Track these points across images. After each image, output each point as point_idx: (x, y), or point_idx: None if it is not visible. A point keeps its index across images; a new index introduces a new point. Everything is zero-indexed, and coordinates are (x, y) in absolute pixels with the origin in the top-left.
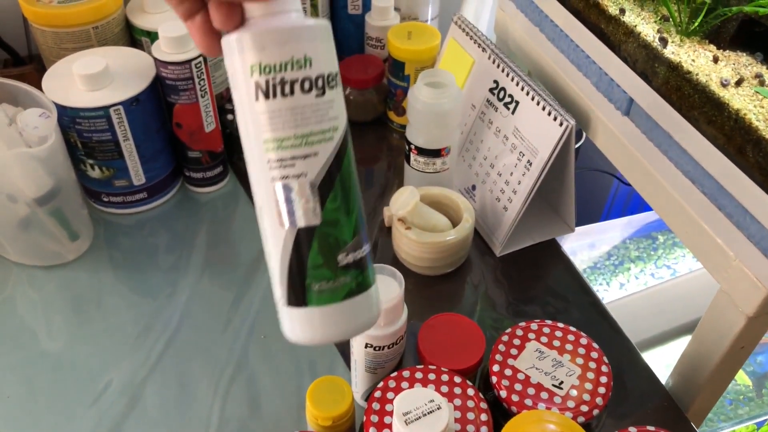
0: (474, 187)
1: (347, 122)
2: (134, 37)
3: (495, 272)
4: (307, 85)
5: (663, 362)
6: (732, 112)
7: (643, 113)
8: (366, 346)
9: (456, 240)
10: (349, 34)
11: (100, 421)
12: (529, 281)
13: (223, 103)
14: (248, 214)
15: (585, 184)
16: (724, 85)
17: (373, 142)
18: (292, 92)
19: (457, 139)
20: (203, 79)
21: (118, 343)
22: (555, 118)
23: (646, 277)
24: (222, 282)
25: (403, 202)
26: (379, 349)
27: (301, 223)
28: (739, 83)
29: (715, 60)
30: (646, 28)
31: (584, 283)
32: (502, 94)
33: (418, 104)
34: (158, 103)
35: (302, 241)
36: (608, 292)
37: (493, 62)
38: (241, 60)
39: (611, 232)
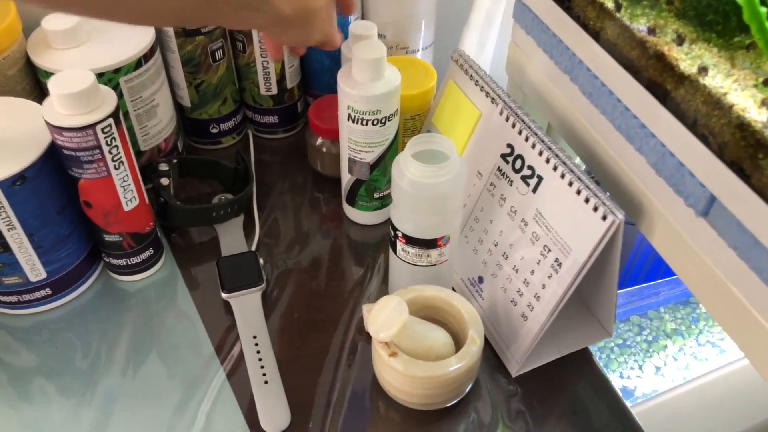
0: (481, 280)
1: (397, 131)
2: (39, 79)
3: (510, 402)
4: (375, 122)
5: None
6: None
7: (732, 221)
8: None
9: (460, 371)
10: (323, 68)
11: None
12: (555, 417)
13: (157, 160)
14: (186, 309)
15: None
16: None
17: None
18: (366, 124)
19: (460, 223)
20: (116, 146)
21: None
22: (596, 209)
23: (687, 358)
24: (145, 418)
25: (385, 321)
26: None
27: (359, 177)
28: None
29: None
30: (742, 96)
31: (629, 418)
32: (518, 163)
33: (404, 182)
34: (58, 177)
35: (357, 184)
36: (642, 379)
37: (507, 119)
38: (342, 99)
39: (641, 299)
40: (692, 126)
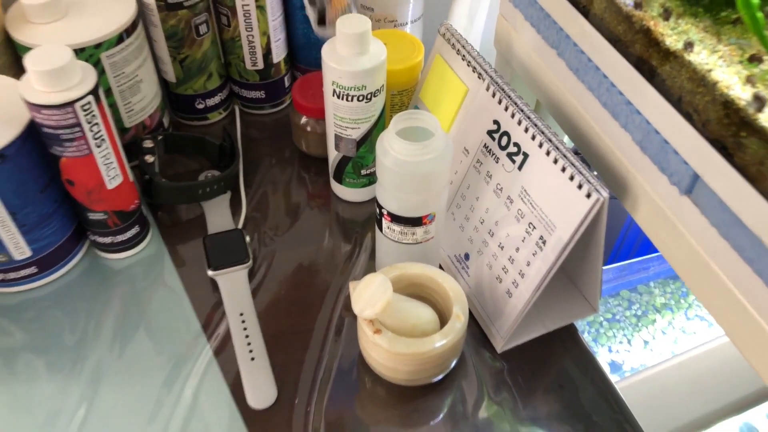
0: (467, 257)
1: (383, 107)
2: (18, 54)
3: (496, 378)
4: (360, 98)
5: None
6: None
7: (715, 199)
8: None
9: (444, 348)
10: (308, 42)
11: None
12: (541, 392)
13: (142, 137)
14: (173, 287)
15: None
16: None
17: None
18: (351, 100)
19: (446, 200)
20: (97, 123)
21: None
22: (580, 186)
23: (676, 332)
24: (132, 394)
25: (369, 298)
26: None
27: (345, 153)
28: None
29: None
30: (727, 72)
31: (613, 393)
32: (504, 140)
33: (388, 161)
34: (39, 155)
35: (344, 161)
36: (630, 353)
37: (493, 95)
38: (327, 74)
39: (631, 273)
40: (677, 103)
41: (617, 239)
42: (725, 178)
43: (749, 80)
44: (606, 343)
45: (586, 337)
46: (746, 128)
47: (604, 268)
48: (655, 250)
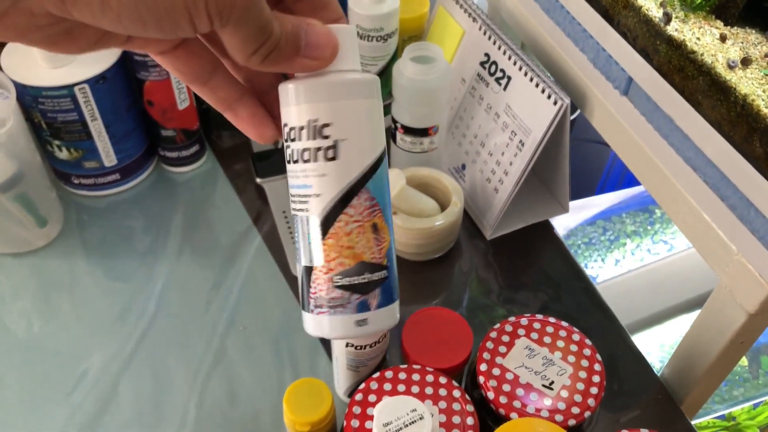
0: (464, 167)
1: (396, 48)
2: None
3: (485, 257)
4: (378, 38)
5: (659, 341)
6: (739, 97)
7: (642, 94)
8: (347, 345)
9: (444, 225)
10: None
11: (72, 416)
12: (520, 266)
13: None
14: (227, 194)
15: (580, 155)
16: (731, 67)
17: None
18: (371, 40)
19: (446, 117)
20: None
21: (91, 333)
22: (549, 96)
23: (642, 252)
24: (200, 268)
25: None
26: (360, 348)
27: None
28: (746, 63)
29: (723, 38)
30: (648, 0)
31: (578, 268)
32: (493, 68)
33: (403, 80)
34: (127, 80)
35: None
36: (603, 269)
37: (484, 33)
38: (352, 19)
39: (607, 205)
40: (616, 26)
41: (602, 175)
42: (648, 77)
43: (662, 4)
44: (582, 262)
45: None
46: (660, 38)
47: (586, 199)
48: (628, 185)
